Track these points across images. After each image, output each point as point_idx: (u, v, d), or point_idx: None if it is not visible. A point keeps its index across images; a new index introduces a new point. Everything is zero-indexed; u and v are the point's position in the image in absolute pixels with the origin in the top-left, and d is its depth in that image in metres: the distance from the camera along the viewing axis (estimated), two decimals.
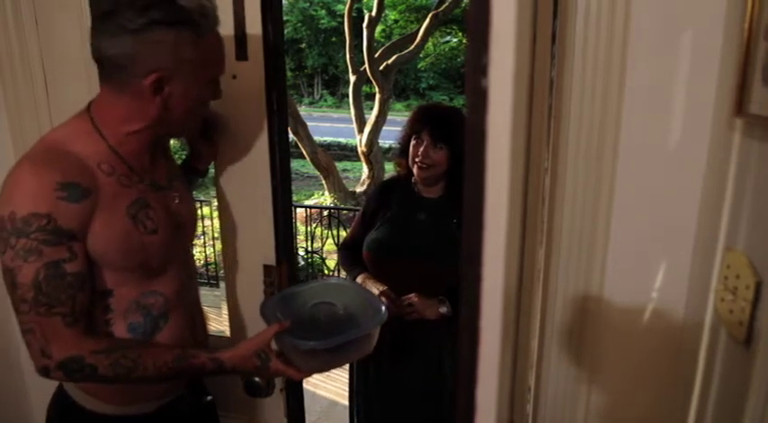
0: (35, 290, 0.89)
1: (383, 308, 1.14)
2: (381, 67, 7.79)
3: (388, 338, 1.69)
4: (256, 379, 1.21)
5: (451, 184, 1.70)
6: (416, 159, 1.65)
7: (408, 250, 1.66)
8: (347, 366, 1.95)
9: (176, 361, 0.99)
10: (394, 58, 7.92)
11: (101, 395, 1.06)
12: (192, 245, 1.20)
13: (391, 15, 16.35)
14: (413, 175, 1.71)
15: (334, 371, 3.19)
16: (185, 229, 1.13)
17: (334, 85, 20.15)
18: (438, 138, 1.63)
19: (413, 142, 1.68)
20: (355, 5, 8.35)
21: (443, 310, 1.61)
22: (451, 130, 1.65)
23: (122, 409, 1.07)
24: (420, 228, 1.69)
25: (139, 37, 0.88)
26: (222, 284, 1.63)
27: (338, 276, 5.25)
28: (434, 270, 1.62)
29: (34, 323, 0.90)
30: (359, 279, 1.73)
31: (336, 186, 8.36)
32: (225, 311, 1.43)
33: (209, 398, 1.29)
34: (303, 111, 13.80)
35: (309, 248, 5.61)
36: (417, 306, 1.60)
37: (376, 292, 1.62)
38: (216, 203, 1.38)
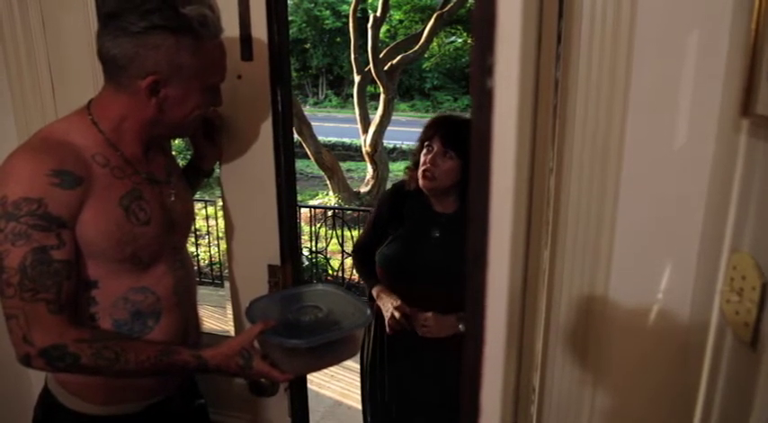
0: (21, 274, 0.89)
1: (368, 311, 1.14)
2: (386, 68, 7.79)
3: (402, 354, 1.68)
4: (262, 379, 1.22)
5: (465, 201, 1.62)
6: (423, 167, 1.59)
7: (422, 273, 1.62)
8: (358, 371, 1.94)
9: (159, 356, 0.99)
10: (398, 58, 7.92)
11: (84, 394, 1.05)
12: (186, 245, 1.20)
13: (396, 15, 16.34)
14: None
15: (338, 371, 3.22)
16: (179, 226, 1.14)
17: (339, 86, 20.17)
18: (449, 145, 1.57)
19: (424, 151, 1.62)
20: (360, 6, 8.36)
21: (462, 328, 1.56)
22: (465, 138, 1.59)
23: (107, 408, 1.07)
24: (433, 246, 1.63)
25: (139, 40, 0.91)
26: (227, 284, 1.63)
27: (336, 278, 5.26)
28: (449, 293, 1.56)
29: (18, 309, 0.91)
30: (374, 291, 1.71)
31: (341, 186, 8.37)
32: (229, 311, 1.43)
33: (202, 401, 1.29)
34: (308, 111, 13.82)
35: (314, 248, 5.61)
36: (432, 326, 1.57)
37: (391, 306, 1.60)
38: (221, 203, 1.39)
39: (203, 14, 0.94)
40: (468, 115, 1.66)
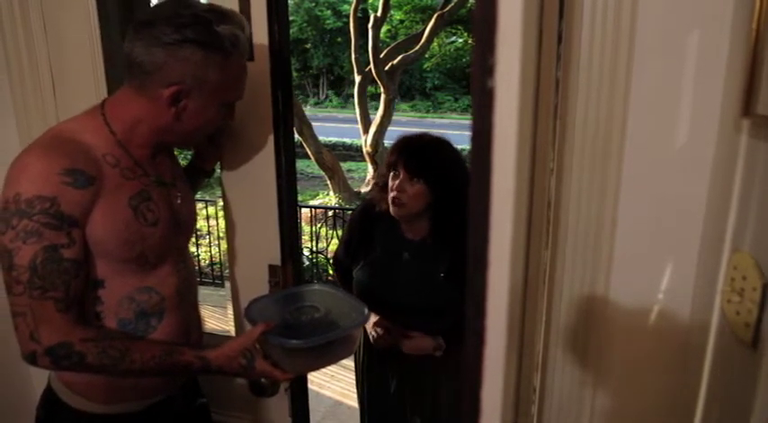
0: (31, 272, 0.90)
1: (365, 310, 1.15)
2: (386, 68, 7.80)
3: (389, 358, 1.68)
4: (263, 379, 1.22)
5: (436, 226, 1.57)
6: (392, 195, 1.53)
7: (395, 297, 1.61)
8: (354, 380, 1.95)
9: (163, 356, 1.00)
10: (399, 58, 7.94)
11: (87, 393, 1.06)
12: (188, 246, 1.21)
13: (396, 16, 16.35)
14: None
15: (338, 371, 3.22)
16: (185, 227, 1.15)
17: (340, 86, 20.17)
18: (413, 171, 1.50)
19: (391, 174, 1.56)
20: (361, 6, 8.37)
21: (438, 353, 1.58)
22: (430, 163, 1.51)
23: (109, 407, 1.07)
24: (405, 272, 1.61)
25: (170, 50, 0.93)
26: (227, 284, 1.64)
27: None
28: (424, 314, 1.60)
29: (26, 306, 0.91)
30: None
31: (341, 186, 8.38)
32: (230, 311, 1.43)
33: (204, 400, 1.30)
34: (308, 111, 13.84)
35: (314, 248, 5.61)
36: (410, 347, 1.59)
37: (371, 322, 1.61)
38: (221, 203, 1.39)
39: (235, 35, 0.97)
40: (435, 135, 1.61)
